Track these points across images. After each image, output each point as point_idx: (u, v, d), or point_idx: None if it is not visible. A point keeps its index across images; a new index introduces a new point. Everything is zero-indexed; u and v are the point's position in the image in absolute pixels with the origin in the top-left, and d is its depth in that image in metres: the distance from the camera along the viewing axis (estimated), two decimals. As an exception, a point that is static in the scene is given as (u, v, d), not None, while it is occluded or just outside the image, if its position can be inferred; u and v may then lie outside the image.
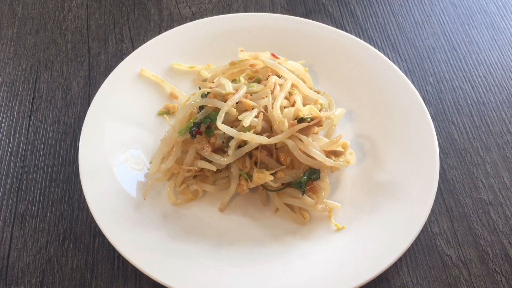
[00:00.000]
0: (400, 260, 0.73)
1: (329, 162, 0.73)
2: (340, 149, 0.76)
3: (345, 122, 0.85)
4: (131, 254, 0.66)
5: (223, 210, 0.75)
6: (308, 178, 0.73)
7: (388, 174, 0.77)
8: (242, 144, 0.72)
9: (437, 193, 0.74)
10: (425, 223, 0.72)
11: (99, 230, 0.73)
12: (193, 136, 0.74)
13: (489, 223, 0.78)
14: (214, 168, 0.73)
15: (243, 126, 0.71)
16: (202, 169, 0.75)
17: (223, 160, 0.72)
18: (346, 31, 1.00)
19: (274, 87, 0.76)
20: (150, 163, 0.78)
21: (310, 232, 0.73)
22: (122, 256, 0.67)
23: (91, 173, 0.73)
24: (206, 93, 0.76)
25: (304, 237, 0.73)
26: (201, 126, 0.74)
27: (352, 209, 0.75)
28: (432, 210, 0.73)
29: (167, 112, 0.85)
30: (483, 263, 0.74)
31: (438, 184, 0.75)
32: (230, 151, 0.71)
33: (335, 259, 0.69)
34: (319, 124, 0.74)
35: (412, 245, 0.69)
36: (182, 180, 0.76)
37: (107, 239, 0.67)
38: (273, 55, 0.82)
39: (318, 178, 0.74)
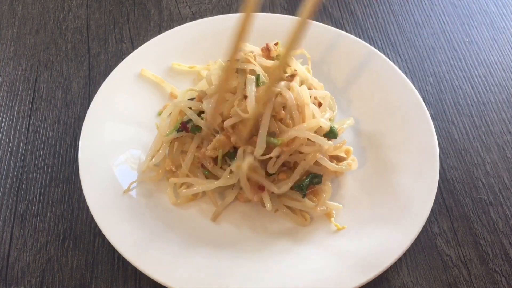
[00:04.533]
0: (400, 260, 0.73)
1: (333, 167, 0.74)
2: (343, 154, 0.77)
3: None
4: (131, 254, 0.66)
5: (217, 217, 0.75)
6: (310, 182, 0.73)
7: (388, 174, 0.77)
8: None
9: (437, 193, 0.74)
10: (425, 223, 0.72)
11: (99, 230, 0.73)
12: (179, 131, 0.75)
13: (489, 223, 0.78)
14: (214, 187, 0.73)
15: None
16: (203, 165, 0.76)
17: (228, 178, 0.72)
18: (346, 31, 1.00)
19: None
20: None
21: (310, 232, 0.73)
22: (122, 256, 0.67)
23: (91, 173, 0.73)
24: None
25: (304, 237, 0.73)
26: (189, 125, 0.75)
27: (352, 209, 0.75)
28: (432, 210, 0.73)
29: (167, 112, 0.85)
30: (483, 263, 0.74)
31: (438, 184, 0.75)
32: (233, 167, 0.71)
33: (335, 259, 0.69)
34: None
35: (412, 245, 0.69)
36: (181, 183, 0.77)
37: (107, 239, 0.67)
38: (267, 45, 0.80)
39: (320, 182, 0.75)
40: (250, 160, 0.69)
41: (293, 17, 0.95)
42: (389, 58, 0.90)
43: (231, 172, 0.72)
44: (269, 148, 0.70)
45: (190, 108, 0.76)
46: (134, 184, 0.75)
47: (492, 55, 1.00)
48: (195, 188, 0.74)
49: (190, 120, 0.75)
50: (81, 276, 0.70)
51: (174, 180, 0.75)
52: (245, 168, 0.69)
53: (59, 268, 0.71)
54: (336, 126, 0.75)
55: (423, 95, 0.92)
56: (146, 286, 0.70)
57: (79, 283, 0.70)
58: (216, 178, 0.74)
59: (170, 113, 0.78)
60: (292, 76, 0.75)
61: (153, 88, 0.87)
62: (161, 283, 0.64)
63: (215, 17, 0.94)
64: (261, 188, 0.72)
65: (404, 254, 0.72)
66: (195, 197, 0.76)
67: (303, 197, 0.73)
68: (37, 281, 0.70)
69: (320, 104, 0.78)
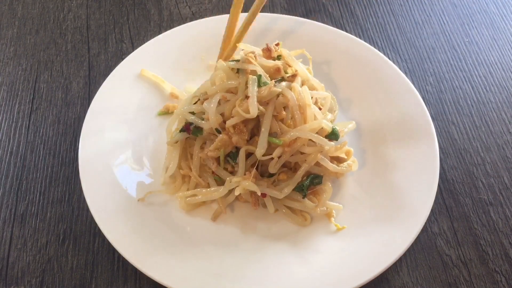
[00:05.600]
0: (400, 260, 0.73)
1: (334, 168, 0.74)
2: (343, 155, 0.76)
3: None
4: (131, 254, 0.66)
5: (217, 217, 0.75)
6: (310, 183, 0.74)
7: (388, 174, 0.77)
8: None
9: (437, 193, 0.74)
10: (425, 223, 0.72)
11: (99, 230, 0.72)
12: (183, 130, 0.75)
13: (489, 223, 0.78)
14: (216, 197, 0.74)
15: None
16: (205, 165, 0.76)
17: (232, 182, 0.72)
18: (346, 31, 1.00)
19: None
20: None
21: (310, 232, 0.73)
22: (122, 256, 0.67)
23: (91, 173, 0.73)
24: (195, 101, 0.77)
25: (304, 237, 0.73)
26: (191, 127, 0.75)
27: (352, 209, 0.75)
28: (432, 210, 0.73)
29: (167, 112, 0.85)
30: (483, 263, 0.74)
31: (438, 184, 0.75)
32: (233, 180, 0.72)
33: (335, 259, 0.69)
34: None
35: (412, 245, 0.69)
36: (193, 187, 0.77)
37: (107, 239, 0.67)
38: (267, 45, 0.79)
39: (320, 182, 0.75)
40: (245, 185, 0.70)
41: (293, 17, 0.95)
42: (389, 58, 0.90)
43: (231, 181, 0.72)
44: (270, 148, 0.70)
45: (193, 113, 0.76)
46: (134, 184, 0.75)
47: (492, 55, 1.00)
48: (199, 197, 0.74)
49: (192, 123, 0.75)
50: (81, 276, 0.70)
51: (180, 195, 0.75)
52: (240, 191, 0.71)
53: (59, 268, 0.71)
54: (337, 127, 0.75)
55: (423, 95, 0.92)
56: (146, 286, 0.70)
57: (79, 283, 0.70)
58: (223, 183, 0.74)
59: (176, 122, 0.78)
60: (293, 76, 0.75)
61: (153, 88, 0.87)
62: (161, 283, 0.64)
63: (215, 17, 0.94)
64: (262, 195, 0.72)
65: (404, 254, 0.72)
66: (204, 203, 0.76)
67: (303, 198, 0.73)
68: (37, 281, 0.70)
69: (319, 109, 0.78)
